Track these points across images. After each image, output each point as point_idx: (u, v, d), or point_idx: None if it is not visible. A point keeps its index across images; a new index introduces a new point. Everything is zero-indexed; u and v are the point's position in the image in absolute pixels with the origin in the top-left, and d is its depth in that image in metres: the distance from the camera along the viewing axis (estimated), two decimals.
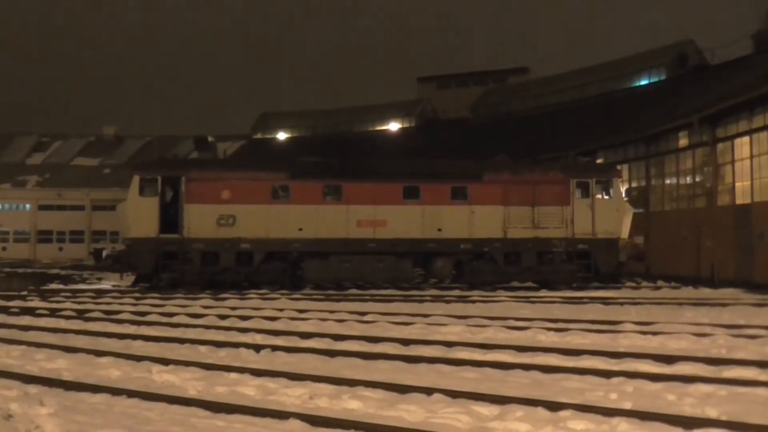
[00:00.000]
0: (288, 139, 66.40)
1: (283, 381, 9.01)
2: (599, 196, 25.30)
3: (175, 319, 15.92)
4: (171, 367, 10.04)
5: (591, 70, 53.67)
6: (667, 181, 31.61)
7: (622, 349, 11.11)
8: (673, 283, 26.15)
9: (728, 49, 41.36)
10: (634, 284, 26.01)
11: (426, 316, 15.85)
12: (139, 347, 12.19)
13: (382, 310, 17.05)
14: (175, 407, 7.93)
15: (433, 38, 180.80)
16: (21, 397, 8.17)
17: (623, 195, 26.60)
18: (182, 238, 24.16)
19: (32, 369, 10.18)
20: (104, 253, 34.09)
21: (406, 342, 12.14)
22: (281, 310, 17.59)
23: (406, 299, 20.77)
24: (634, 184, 33.84)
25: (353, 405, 7.86)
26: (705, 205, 28.44)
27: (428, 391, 8.21)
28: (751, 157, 25.46)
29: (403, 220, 24.74)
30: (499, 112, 56.65)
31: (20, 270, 39.60)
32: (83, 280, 30.44)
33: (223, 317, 16.08)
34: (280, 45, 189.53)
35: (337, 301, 20.35)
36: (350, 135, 61.89)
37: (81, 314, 17.10)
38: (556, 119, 48.70)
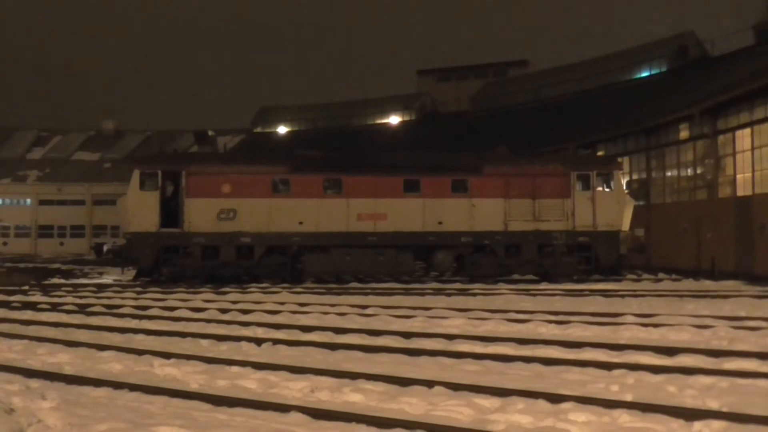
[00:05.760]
0: (288, 133, 66.32)
1: (285, 374, 9.02)
2: (600, 188, 25.27)
3: (176, 313, 15.95)
4: (173, 360, 10.05)
5: (591, 63, 53.57)
6: (668, 174, 31.59)
7: (623, 342, 11.12)
8: (673, 275, 26.17)
9: (729, 41, 41.31)
10: (634, 276, 26.02)
11: (427, 309, 15.86)
12: (140, 341, 12.20)
13: (383, 304, 17.06)
14: (177, 401, 7.95)
15: (433, 31, 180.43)
16: (23, 391, 8.19)
17: (624, 187, 26.58)
18: (183, 232, 24.17)
19: (34, 363, 10.19)
20: (105, 248, 34.08)
21: (407, 335, 12.16)
22: (282, 303, 17.61)
23: (407, 292, 20.78)
24: (634, 177, 33.82)
25: (355, 398, 7.87)
26: (706, 197, 28.42)
27: (429, 383, 8.22)
28: (752, 148, 25.43)
29: (404, 213, 24.72)
30: (500, 105, 56.55)
31: (21, 265, 39.63)
32: (84, 275, 30.47)
33: (224, 311, 16.09)
34: (280, 38, 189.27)
35: (338, 294, 20.36)
36: (350, 128, 61.84)
37: (82, 308, 17.12)
38: (556, 112, 48.63)
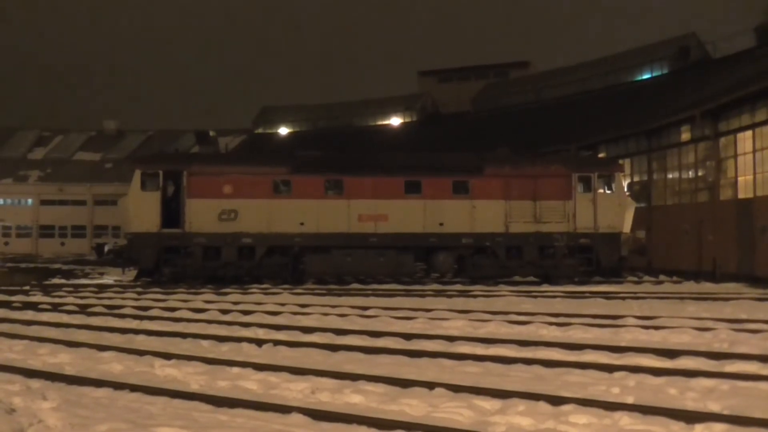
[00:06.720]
0: (289, 134, 66.32)
1: (285, 375, 9.01)
2: (601, 190, 25.26)
3: (177, 314, 15.94)
4: (173, 361, 10.04)
5: (593, 64, 53.54)
6: (669, 176, 31.57)
7: (624, 344, 11.11)
8: (674, 278, 26.15)
9: (731, 43, 41.27)
10: (635, 279, 25.99)
11: (428, 310, 15.86)
12: (141, 342, 12.20)
13: (384, 305, 17.05)
14: (177, 401, 7.94)
15: (435, 32, 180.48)
16: (23, 391, 8.19)
17: (625, 189, 26.57)
18: (184, 233, 24.18)
19: (35, 363, 10.19)
20: (106, 248, 34.11)
21: (408, 336, 12.14)
22: (283, 304, 17.60)
23: (408, 294, 20.77)
24: (636, 178, 33.80)
25: (355, 399, 7.87)
26: (707, 199, 28.40)
27: (430, 385, 8.21)
28: (754, 151, 25.41)
29: (405, 214, 24.72)
30: (501, 106, 56.53)
31: (22, 265, 39.70)
32: (85, 275, 30.48)
33: (225, 312, 16.09)
34: (281, 39, 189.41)
35: (339, 295, 20.36)
36: (351, 129, 61.84)
37: (83, 309, 17.12)
38: (557, 113, 48.60)
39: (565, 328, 12.94)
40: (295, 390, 8.35)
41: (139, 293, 21.17)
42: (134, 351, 10.93)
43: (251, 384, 8.70)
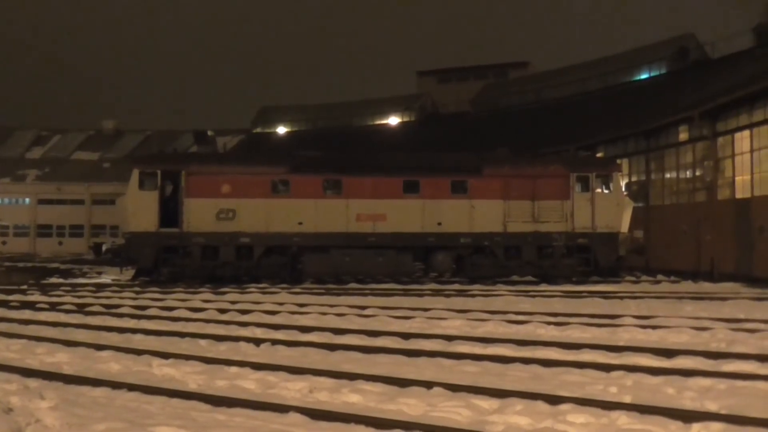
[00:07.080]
0: (288, 134, 66.28)
1: (284, 375, 9.02)
2: (599, 190, 25.27)
3: (175, 313, 15.94)
4: (171, 360, 10.04)
5: (591, 65, 53.57)
6: (667, 175, 31.60)
7: (621, 343, 11.12)
8: (672, 277, 26.17)
9: (729, 43, 41.33)
10: (633, 278, 26.02)
11: (426, 310, 15.86)
12: (139, 341, 12.19)
13: (382, 304, 17.04)
14: (175, 401, 7.94)
15: (434, 32, 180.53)
16: (21, 390, 8.17)
17: (623, 189, 26.59)
18: (182, 232, 24.17)
19: (32, 363, 10.18)
20: (104, 248, 34.10)
21: (406, 336, 12.15)
22: (281, 304, 17.59)
23: (406, 293, 20.77)
24: (634, 178, 33.83)
25: (353, 398, 7.87)
26: (705, 199, 28.43)
27: (428, 384, 8.22)
28: (752, 151, 25.44)
29: (403, 214, 24.72)
30: (500, 107, 56.56)
31: (20, 264, 39.62)
32: (83, 274, 30.44)
33: (223, 311, 16.08)
34: (281, 39, 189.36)
35: (337, 295, 20.35)
36: (350, 129, 61.82)
37: (81, 308, 17.10)
38: (556, 113, 48.63)
39: (563, 327, 12.95)
40: (293, 389, 8.35)
41: (137, 293, 21.16)
42: (132, 350, 10.93)
43: (249, 383, 8.70)
